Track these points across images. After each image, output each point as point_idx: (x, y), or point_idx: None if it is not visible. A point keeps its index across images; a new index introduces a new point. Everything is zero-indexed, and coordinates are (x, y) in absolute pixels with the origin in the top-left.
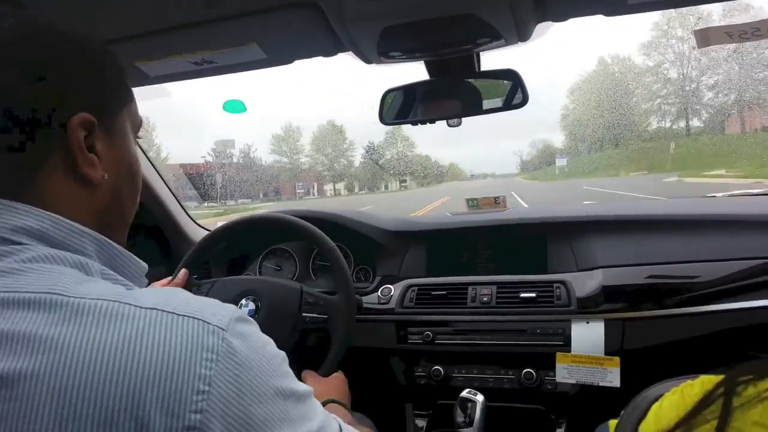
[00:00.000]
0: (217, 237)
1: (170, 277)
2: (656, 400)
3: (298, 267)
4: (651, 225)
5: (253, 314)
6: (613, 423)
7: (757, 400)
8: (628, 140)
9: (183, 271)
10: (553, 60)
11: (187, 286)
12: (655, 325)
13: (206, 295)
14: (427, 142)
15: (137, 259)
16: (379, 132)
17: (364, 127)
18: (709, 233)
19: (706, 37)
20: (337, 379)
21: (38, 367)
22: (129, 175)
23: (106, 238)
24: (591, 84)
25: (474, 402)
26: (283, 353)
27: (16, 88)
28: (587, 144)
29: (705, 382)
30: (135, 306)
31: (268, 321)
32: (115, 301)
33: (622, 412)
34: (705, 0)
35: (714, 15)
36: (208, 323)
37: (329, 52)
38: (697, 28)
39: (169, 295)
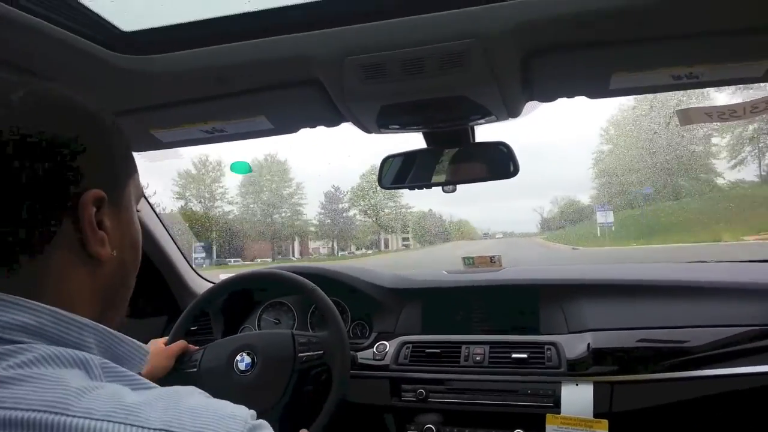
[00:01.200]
0: (219, 291)
1: (167, 338)
2: None
3: (297, 320)
4: (641, 290)
5: (251, 367)
6: None
7: None
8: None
9: (179, 343)
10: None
11: (183, 354)
12: (643, 388)
13: (200, 361)
14: (437, 200)
15: (138, 344)
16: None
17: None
18: (699, 299)
19: (687, 116)
20: None
21: None
22: (133, 248)
23: (107, 329)
24: (638, 113)
25: None
26: None
27: (25, 162)
28: (629, 197)
29: None
30: (143, 428)
31: (266, 371)
32: (122, 423)
33: None
34: (682, 87)
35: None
36: None
37: (332, 123)
38: (679, 108)
39: (178, 408)
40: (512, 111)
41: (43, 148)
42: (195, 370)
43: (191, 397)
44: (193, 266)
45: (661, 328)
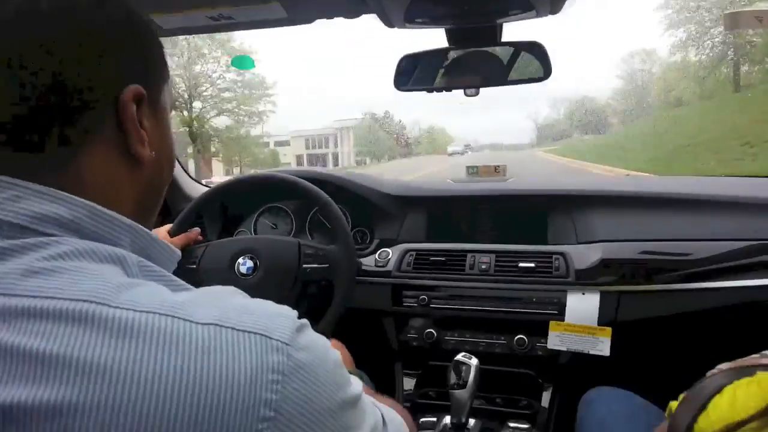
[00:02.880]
0: (214, 194)
1: (171, 226)
2: (717, 390)
3: (294, 225)
4: (650, 202)
5: (252, 272)
6: (674, 404)
7: None
8: None
9: (185, 235)
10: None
11: (189, 244)
12: (648, 299)
13: (200, 259)
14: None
15: (171, 246)
16: None
17: None
18: (704, 213)
19: (735, 20)
20: (342, 347)
21: (84, 398)
22: (169, 153)
23: (143, 228)
24: None
25: (468, 365)
26: (339, 356)
27: (73, 54)
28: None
29: None
30: (192, 322)
31: (269, 277)
32: (169, 315)
33: (679, 400)
34: None
35: None
36: (271, 338)
37: (353, 13)
38: (727, 12)
39: (225, 303)
40: (555, 3)
41: (89, 42)
42: (194, 266)
43: (235, 295)
44: (186, 169)
45: (667, 240)
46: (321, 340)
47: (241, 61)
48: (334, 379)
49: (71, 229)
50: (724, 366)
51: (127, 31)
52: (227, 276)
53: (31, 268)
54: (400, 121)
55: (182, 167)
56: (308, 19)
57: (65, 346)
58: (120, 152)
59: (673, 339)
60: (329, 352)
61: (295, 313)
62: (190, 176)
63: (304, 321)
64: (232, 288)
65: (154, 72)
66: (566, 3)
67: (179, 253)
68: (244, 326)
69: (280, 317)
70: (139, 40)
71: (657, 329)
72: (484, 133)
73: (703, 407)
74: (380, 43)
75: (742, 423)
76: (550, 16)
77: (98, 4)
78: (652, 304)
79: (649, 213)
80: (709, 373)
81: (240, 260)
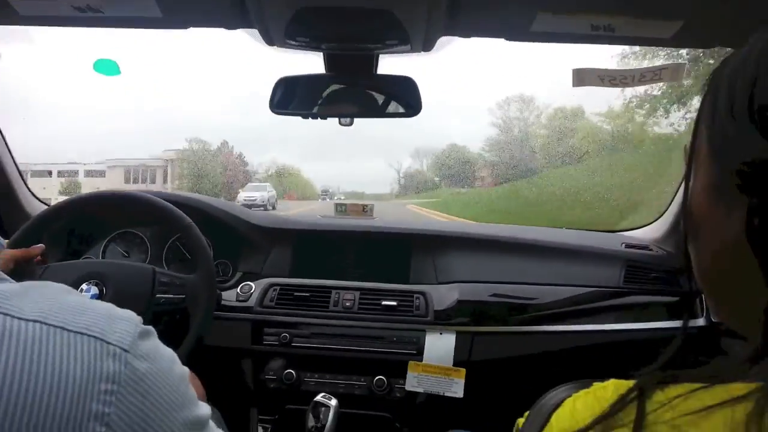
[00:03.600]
0: (58, 213)
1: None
2: (558, 404)
3: (150, 254)
4: (502, 246)
5: (97, 299)
6: (520, 421)
7: (668, 405)
8: None
9: (23, 250)
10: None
11: (19, 266)
12: (500, 339)
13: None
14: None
15: None
16: None
17: None
18: (550, 259)
19: (581, 77)
20: (196, 379)
21: None
22: None
23: None
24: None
25: (328, 407)
26: (187, 371)
27: None
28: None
29: (618, 385)
30: (14, 318)
31: (117, 304)
32: None
33: (524, 417)
34: (598, 40)
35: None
36: (108, 342)
37: (231, 25)
38: (575, 68)
39: (55, 299)
40: (428, 42)
41: None
42: None
43: (71, 294)
44: (28, 184)
45: (517, 283)
46: (167, 351)
47: (106, 66)
48: (179, 397)
49: None
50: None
51: None
52: None
53: None
54: (241, 154)
55: (22, 179)
56: (183, 24)
57: None
58: None
59: (524, 380)
60: (175, 365)
61: (138, 318)
62: (31, 192)
63: (150, 328)
64: (65, 286)
65: None
66: (441, 43)
67: (2, 242)
68: (76, 326)
69: (120, 320)
70: None
71: (509, 370)
72: (344, 181)
73: (546, 421)
74: (237, 65)
75: (583, 431)
76: (423, 54)
77: None
78: (504, 345)
79: (503, 257)
80: (551, 390)
81: (84, 286)
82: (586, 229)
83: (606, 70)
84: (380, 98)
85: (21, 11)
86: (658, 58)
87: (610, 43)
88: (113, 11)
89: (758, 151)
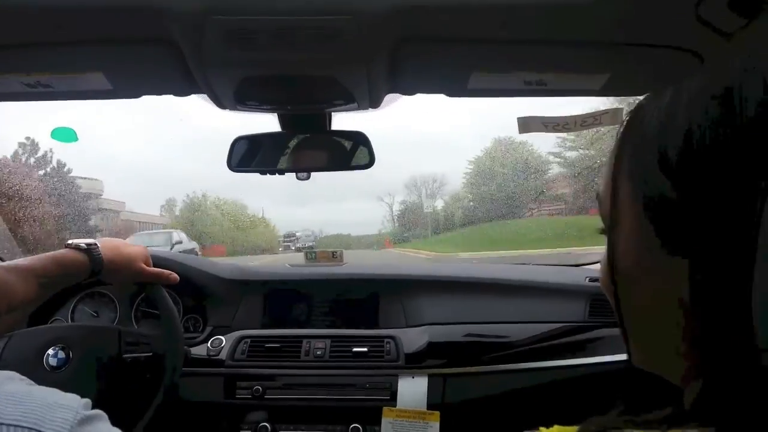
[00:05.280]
0: None
1: None
2: None
3: (119, 313)
4: (470, 287)
5: (64, 364)
6: None
7: None
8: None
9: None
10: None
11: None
12: (472, 380)
13: (2, 351)
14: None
15: None
16: None
17: None
18: (518, 297)
19: (527, 124)
20: None
21: None
22: None
23: None
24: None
25: None
26: None
27: None
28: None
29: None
30: None
31: (83, 370)
32: None
33: None
34: (532, 93)
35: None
36: None
37: (182, 92)
38: (519, 116)
39: None
40: (374, 100)
41: None
42: None
43: (10, 382)
44: None
45: (486, 323)
46: None
47: (63, 134)
48: None
49: None
50: None
51: None
52: (34, 370)
53: None
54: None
55: None
56: (135, 94)
57: None
58: None
59: (499, 419)
60: None
61: (82, 402)
62: None
63: (93, 413)
64: (10, 373)
65: None
66: (388, 99)
67: None
68: (9, 418)
69: (58, 408)
70: None
71: (483, 410)
72: (328, 224)
73: None
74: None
75: None
76: (371, 110)
77: None
78: (477, 385)
79: (470, 297)
80: None
81: (50, 351)
82: (552, 264)
83: (549, 117)
84: (337, 152)
85: None
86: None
87: (544, 96)
88: (63, 86)
89: (697, 210)
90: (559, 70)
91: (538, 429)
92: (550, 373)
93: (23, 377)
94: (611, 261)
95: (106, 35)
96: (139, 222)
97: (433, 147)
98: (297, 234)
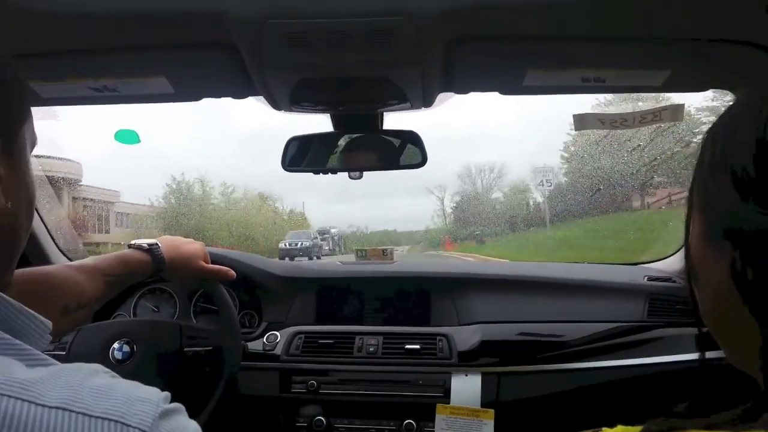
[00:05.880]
0: None
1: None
2: None
3: (178, 308)
4: (524, 285)
5: (129, 357)
6: None
7: None
8: None
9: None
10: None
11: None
12: (526, 379)
13: (71, 344)
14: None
15: (39, 318)
16: None
17: None
18: (573, 296)
19: (582, 121)
20: None
21: None
22: (28, 201)
23: (2, 296)
24: None
25: None
26: None
27: None
28: None
29: None
30: (39, 405)
31: (147, 363)
32: (13, 396)
33: None
34: (589, 90)
35: None
36: (128, 425)
37: (240, 95)
38: (575, 113)
39: (79, 384)
40: (427, 100)
41: None
42: (63, 353)
43: (96, 376)
44: (58, 243)
45: (541, 322)
46: (190, 427)
47: (126, 136)
48: None
49: None
50: None
51: None
52: (100, 362)
53: None
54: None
55: (53, 239)
56: (195, 97)
57: None
58: None
59: (554, 419)
60: None
61: (162, 396)
62: (60, 250)
63: (172, 406)
64: (95, 366)
65: (11, 115)
66: (440, 98)
67: (49, 323)
68: (97, 411)
69: (140, 402)
70: None
71: (538, 410)
72: (374, 220)
73: None
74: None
75: None
76: (424, 109)
77: None
78: (531, 384)
79: (524, 296)
80: None
81: (115, 345)
82: (609, 263)
83: (606, 114)
84: (388, 151)
85: (43, 94)
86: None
87: (602, 92)
88: (128, 90)
89: (735, 206)
90: (618, 66)
91: (601, 429)
92: (607, 373)
93: (107, 370)
94: (687, 253)
95: (170, 41)
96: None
97: (484, 138)
98: (331, 230)
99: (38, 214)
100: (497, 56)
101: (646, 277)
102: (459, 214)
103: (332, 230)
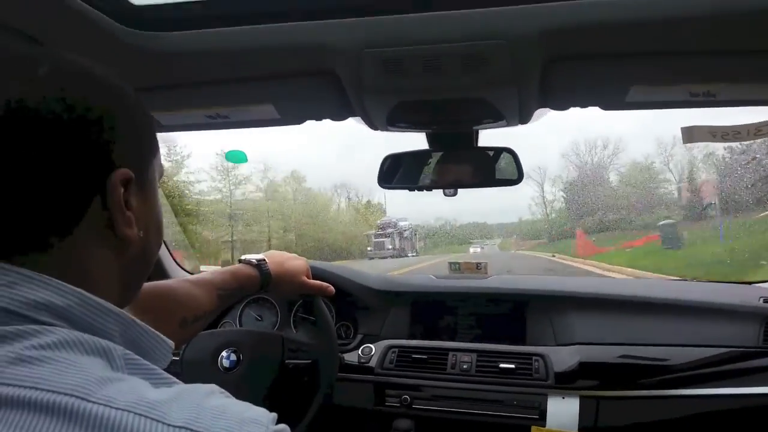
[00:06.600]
0: None
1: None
2: None
3: (280, 317)
4: (627, 305)
5: (235, 366)
6: None
7: None
8: None
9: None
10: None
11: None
12: (627, 404)
13: (184, 350)
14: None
15: (162, 337)
16: None
17: None
18: (681, 318)
19: (691, 134)
20: None
21: None
22: (157, 229)
23: (133, 319)
24: None
25: None
26: None
27: (55, 138)
28: None
29: None
30: (164, 424)
31: (251, 372)
32: (144, 416)
33: None
34: (697, 104)
35: None
36: None
37: (339, 117)
38: (684, 126)
39: (199, 405)
40: (524, 116)
41: (73, 124)
42: (177, 358)
43: (212, 397)
44: (173, 254)
45: (644, 345)
46: None
47: (235, 156)
48: None
49: (63, 317)
50: None
51: (112, 109)
52: (210, 370)
53: (19, 356)
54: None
55: (169, 251)
56: (298, 121)
57: None
58: (107, 235)
59: None
60: None
61: (270, 417)
62: (176, 262)
63: (280, 427)
64: (212, 386)
65: (143, 150)
66: (537, 114)
67: (171, 344)
68: (215, 431)
69: (252, 423)
70: (128, 117)
71: None
72: (465, 211)
73: None
74: None
75: None
76: (520, 126)
77: (96, 87)
78: (633, 410)
79: (627, 316)
80: None
81: (224, 353)
82: (719, 281)
83: (717, 126)
84: (484, 167)
85: (163, 122)
86: None
87: (711, 107)
88: (238, 116)
89: None
90: (729, 80)
91: None
92: (716, 402)
93: (222, 390)
94: None
95: (277, 71)
96: None
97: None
98: (401, 224)
99: None
100: (598, 74)
101: (762, 299)
102: (572, 200)
103: (401, 223)
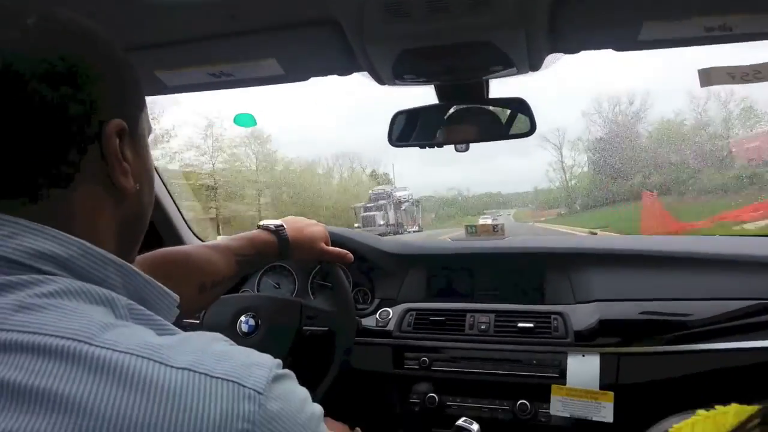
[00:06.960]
0: None
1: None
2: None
3: (297, 284)
4: (647, 260)
5: (254, 331)
6: None
7: None
8: None
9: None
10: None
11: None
12: (649, 361)
13: (203, 314)
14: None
15: (167, 290)
16: None
17: None
18: (703, 271)
19: (708, 77)
20: (332, 422)
21: (54, 430)
22: (150, 183)
23: (134, 269)
24: None
25: (469, 431)
26: (320, 410)
27: (46, 87)
28: None
29: (739, 412)
30: (167, 366)
31: (269, 337)
32: (146, 357)
33: None
34: (713, 40)
35: None
36: (244, 386)
37: (345, 71)
38: (700, 68)
39: (203, 349)
40: (534, 62)
41: (62, 74)
42: (197, 322)
43: (216, 343)
44: (188, 222)
45: (665, 299)
46: (299, 391)
47: (244, 119)
48: None
49: (65, 267)
50: None
51: (101, 62)
52: (228, 334)
53: (22, 303)
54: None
55: (182, 215)
56: (303, 77)
57: (41, 380)
58: (104, 186)
59: (679, 404)
60: (306, 404)
61: (275, 362)
62: (189, 227)
63: (284, 372)
64: (215, 334)
65: (132, 103)
66: (548, 60)
67: (176, 297)
68: (218, 373)
69: (256, 366)
70: (116, 71)
71: (661, 393)
72: (477, 182)
73: None
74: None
75: None
76: (530, 73)
77: (85, 40)
78: (654, 366)
79: (647, 272)
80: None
81: (242, 318)
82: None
83: (737, 67)
84: (495, 121)
85: (168, 83)
86: None
87: (727, 42)
88: (242, 74)
89: None
90: (748, 11)
91: (713, 406)
92: (739, 355)
93: (226, 338)
94: None
95: (277, 21)
96: None
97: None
98: (397, 194)
99: (173, 200)
100: (609, 10)
101: None
102: (602, 161)
103: (398, 193)
